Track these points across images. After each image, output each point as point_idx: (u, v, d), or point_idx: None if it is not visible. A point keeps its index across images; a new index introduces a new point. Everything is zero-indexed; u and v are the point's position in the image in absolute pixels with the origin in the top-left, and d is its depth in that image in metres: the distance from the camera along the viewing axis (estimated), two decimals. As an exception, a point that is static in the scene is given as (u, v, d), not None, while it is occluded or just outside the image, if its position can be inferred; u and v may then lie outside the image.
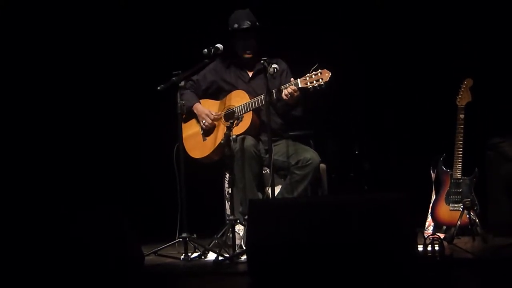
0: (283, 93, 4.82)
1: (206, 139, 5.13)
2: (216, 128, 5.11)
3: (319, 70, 4.73)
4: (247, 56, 5.08)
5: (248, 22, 5.02)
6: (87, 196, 5.92)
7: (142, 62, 6.15)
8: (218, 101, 5.18)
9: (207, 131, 5.13)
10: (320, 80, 4.72)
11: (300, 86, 4.78)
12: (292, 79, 4.87)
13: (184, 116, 5.11)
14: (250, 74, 5.17)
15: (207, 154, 5.11)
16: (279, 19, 5.47)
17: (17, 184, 5.83)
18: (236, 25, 5.03)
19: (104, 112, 6.22)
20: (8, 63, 5.92)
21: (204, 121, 5.09)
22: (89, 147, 6.19)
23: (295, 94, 4.80)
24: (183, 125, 5.09)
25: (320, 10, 6.02)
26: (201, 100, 5.20)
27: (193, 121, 5.20)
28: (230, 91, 5.12)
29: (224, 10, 5.26)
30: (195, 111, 5.15)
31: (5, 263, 3.62)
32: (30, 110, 6.06)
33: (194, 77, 5.18)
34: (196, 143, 5.15)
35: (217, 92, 5.21)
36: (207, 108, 5.14)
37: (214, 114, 5.08)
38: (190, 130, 5.19)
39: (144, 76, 5.92)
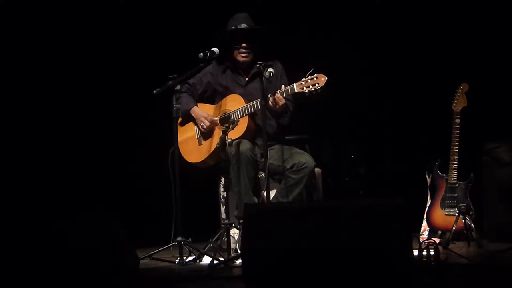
0: (270, 101, 4.81)
1: (202, 144, 5.13)
2: (212, 133, 5.10)
3: (315, 74, 4.72)
4: (242, 59, 5.07)
5: (245, 25, 5.02)
6: (82, 200, 5.90)
7: (138, 66, 6.14)
8: (214, 106, 5.18)
9: (204, 135, 5.12)
10: (316, 84, 4.71)
11: (296, 90, 4.77)
12: (282, 86, 4.86)
13: (180, 120, 5.11)
14: (247, 78, 5.16)
15: (203, 159, 5.10)
16: (277, 21, 5.47)
17: (12, 188, 5.80)
18: (232, 27, 5.03)
19: (99, 116, 6.20)
20: (6, 63, 5.90)
21: (202, 124, 5.08)
22: (84, 151, 6.17)
23: (278, 104, 4.80)
24: (180, 129, 5.09)
25: (318, 12, 6.02)
26: (197, 104, 5.19)
27: (190, 125, 5.19)
28: (226, 95, 5.12)
29: (221, 14, 5.26)
30: (192, 115, 5.14)
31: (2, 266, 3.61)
32: (27, 113, 6.04)
33: (191, 81, 5.17)
34: (192, 147, 5.14)
35: (213, 96, 5.21)
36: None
37: (211, 117, 5.08)
38: (186, 134, 5.18)
39: (140, 80, 5.91)
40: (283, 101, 4.81)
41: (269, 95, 4.82)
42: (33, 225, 3.78)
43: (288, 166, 4.92)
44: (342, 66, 5.80)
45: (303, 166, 4.88)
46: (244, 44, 5.03)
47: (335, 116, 6.16)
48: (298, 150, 5.07)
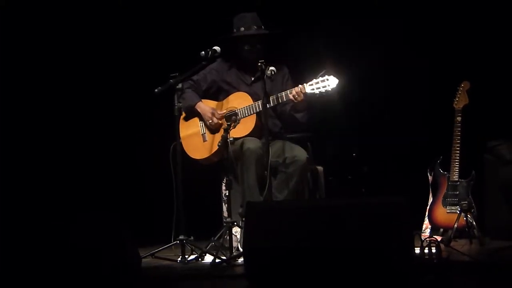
0: (291, 94, 4.80)
1: (206, 140, 5.12)
2: (217, 129, 5.09)
3: (327, 76, 4.73)
4: (252, 57, 5.04)
5: (255, 27, 5.02)
6: (84, 198, 5.91)
7: (140, 65, 6.14)
8: (218, 102, 5.18)
9: (209, 132, 5.11)
10: (327, 86, 4.73)
11: (306, 91, 4.78)
12: (299, 86, 4.85)
13: (184, 115, 5.11)
14: (253, 77, 5.15)
15: (207, 155, 5.09)
16: (277, 21, 5.47)
17: (14, 188, 5.80)
18: (242, 29, 5.03)
19: (101, 113, 6.20)
20: (6, 63, 5.91)
21: (210, 120, 5.07)
22: (85, 150, 6.18)
23: (301, 97, 4.79)
24: (183, 124, 5.10)
25: (317, 12, 6.02)
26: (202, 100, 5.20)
27: (194, 120, 5.18)
28: (231, 92, 5.12)
29: (222, 12, 5.26)
30: (198, 110, 5.13)
31: (4, 267, 3.62)
32: (28, 112, 6.04)
33: (194, 77, 5.17)
34: (196, 144, 5.14)
35: (217, 93, 5.21)
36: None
37: (218, 113, 5.07)
38: (190, 130, 5.17)
39: (142, 78, 5.90)
40: (302, 97, 4.81)
41: (283, 93, 4.83)
42: (34, 224, 3.79)
43: (280, 161, 4.91)
44: (344, 64, 5.79)
45: (294, 159, 4.87)
46: (258, 46, 5.03)
47: (338, 114, 6.15)
48: (291, 144, 5.03)
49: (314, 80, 4.78)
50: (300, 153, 4.91)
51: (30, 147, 6.02)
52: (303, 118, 5.06)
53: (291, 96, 4.82)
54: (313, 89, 4.77)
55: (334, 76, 4.73)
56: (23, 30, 5.99)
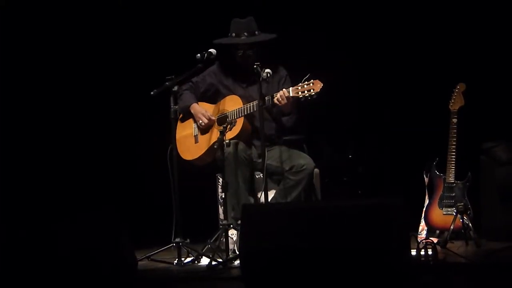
0: (275, 98, 4.82)
1: (198, 141, 5.13)
2: (208, 130, 5.11)
3: (311, 80, 4.74)
4: (245, 61, 5.06)
5: (246, 34, 5.01)
6: (82, 199, 5.90)
7: (137, 66, 6.14)
8: (213, 105, 5.19)
9: (201, 133, 5.12)
10: (312, 90, 4.73)
11: (291, 95, 4.79)
12: (283, 90, 4.87)
13: (181, 116, 5.13)
14: (248, 80, 5.15)
15: (198, 156, 5.10)
16: (276, 22, 5.47)
17: (12, 189, 5.80)
18: (233, 35, 5.03)
19: (100, 117, 6.20)
20: (6, 63, 5.90)
21: (200, 121, 5.09)
22: (84, 150, 6.17)
23: (284, 101, 4.80)
24: (180, 126, 5.12)
25: (316, 14, 6.02)
26: (198, 102, 5.20)
27: (189, 122, 5.20)
28: (227, 95, 5.13)
29: (220, 14, 5.25)
30: (192, 111, 5.15)
31: (3, 267, 3.62)
32: (28, 113, 6.04)
33: (194, 79, 5.20)
34: (188, 145, 5.16)
35: (215, 96, 5.22)
36: None
37: (209, 114, 5.09)
38: (184, 132, 5.19)
39: (139, 79, 5.90)
40: (285, 100, 4.82)
41: (274, 94, 4.83)
42: (33, 224, 3.79)
43: (287, 168, 4.93)
44: (341, 64, 5.80)
45: (302, 168, 4.89)
46: (249, 52, 5.04)
47: (333, 115, 6.16)
48: (298, 151, 5.07)
49: (300, 84, 4.79)
50: (308, 161, 4.93)
51: (29, 148, 6.02)
52: (289, 122, 5.08)
53: (275, 100, 4.83)
54: (297, 93, 4.78)
55: (318, 80, 4.74)
56: (23, 30, 5.99)
